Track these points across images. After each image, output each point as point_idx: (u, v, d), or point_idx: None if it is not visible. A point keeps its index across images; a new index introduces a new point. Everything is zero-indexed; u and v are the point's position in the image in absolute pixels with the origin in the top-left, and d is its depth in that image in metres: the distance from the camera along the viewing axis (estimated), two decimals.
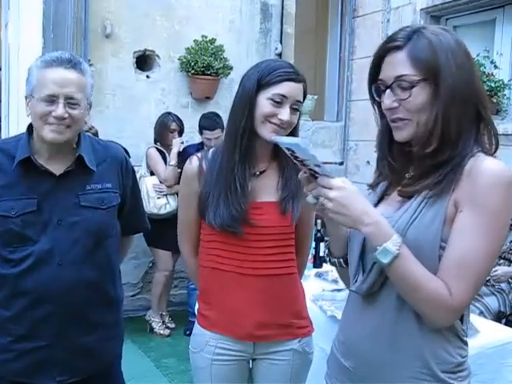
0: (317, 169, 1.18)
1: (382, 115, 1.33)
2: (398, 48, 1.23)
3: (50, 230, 1.68)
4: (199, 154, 1.83)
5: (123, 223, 1.88)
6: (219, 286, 1.77)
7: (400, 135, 1.27)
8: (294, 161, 1.23)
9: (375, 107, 1.36)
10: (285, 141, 1.20)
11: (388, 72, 1.24)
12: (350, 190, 1.18)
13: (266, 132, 1.67)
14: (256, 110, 1.67)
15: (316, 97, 5.21)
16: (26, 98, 1.69)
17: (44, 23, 3.90)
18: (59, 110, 1.61)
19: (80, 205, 1.71)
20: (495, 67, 4.21)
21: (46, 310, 1.68)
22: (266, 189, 1.75)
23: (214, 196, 1.71)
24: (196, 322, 1.86)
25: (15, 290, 1.68)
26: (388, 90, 1.24)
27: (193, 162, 1.80)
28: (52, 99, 1.61)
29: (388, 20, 4.96)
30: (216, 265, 1.76)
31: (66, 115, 1.62)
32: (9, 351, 1.71)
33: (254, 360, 1.82)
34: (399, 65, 1.22)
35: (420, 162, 1.26)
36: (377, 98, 1.30)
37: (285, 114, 1.65)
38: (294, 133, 1.75)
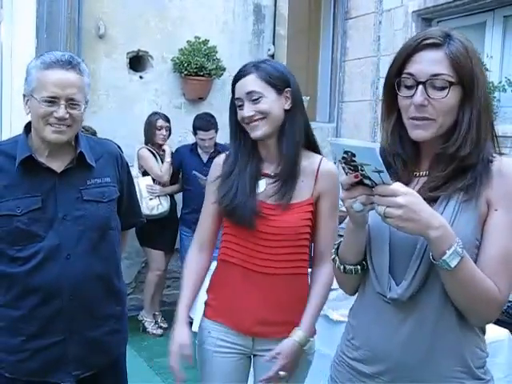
0: (375, 175, 1.09)
1: (391, 111, 1.31)
2: (436, 46, 1.21)
3: (56, 226, 1.71)
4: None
5: (120, 217, 1.91)
6: (227, 278, 1.81)
7: (420, 134, 1.24)
8: (344, 165, 1.14)
9: (384, 102, 1.33)
10: (351, 144, 1.08)
11: (423, 68, 1.21)
12: (416, 194, 1.11)
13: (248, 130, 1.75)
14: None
15: (308, 98, 5.22)
16: (25, 96, 1.72)
17: (37, 23, 3.91)
18: (61, 111, 1.64)
19: (83, 199, 1.75)
20: (485, 70, 4.25)
21: (57, 306, 1.70)
22: (278, 191, 1.75)
23: (227, 182, 1.78)
24: (202, 315, 1.88)
25: (25, 289, 1.69)
26: (421, 86, 1.20)
27: (222, 155, 1.90)
28: (53, 100, 1.65)
29: (380, 22, 4.99)
30: (226, 257, 1.81)
31: (67, 116, 1.66)
32: (21, 351, 1.71)
33: (254, 356, 1.84)
34: (437, 63, 1.20)
35: (448, 164, 1.24)
36: (400, 93, 1.25)
37: (244, 111, 1.72)
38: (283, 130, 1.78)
